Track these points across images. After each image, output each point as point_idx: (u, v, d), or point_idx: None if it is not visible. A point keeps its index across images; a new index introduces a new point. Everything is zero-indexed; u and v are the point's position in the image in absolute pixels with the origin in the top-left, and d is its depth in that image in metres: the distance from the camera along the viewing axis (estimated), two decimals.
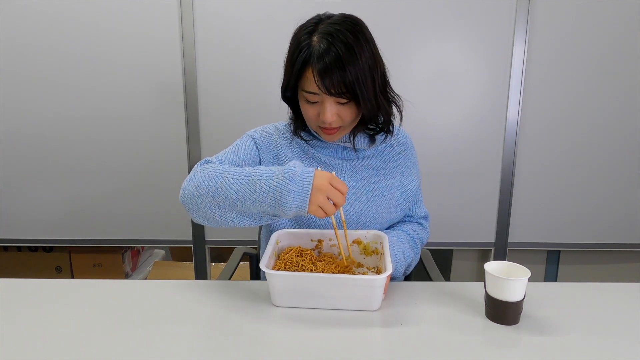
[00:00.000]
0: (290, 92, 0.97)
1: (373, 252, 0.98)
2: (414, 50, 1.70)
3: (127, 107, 1.75)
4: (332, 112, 0.92)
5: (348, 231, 0.98)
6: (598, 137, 1.78)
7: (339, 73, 0.86)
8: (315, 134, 1.04)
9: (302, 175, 0.81)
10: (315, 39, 0.89)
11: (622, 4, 1.66)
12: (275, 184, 0.81)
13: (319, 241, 0.98)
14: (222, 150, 1.03)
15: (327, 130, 0.97)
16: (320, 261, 0.92)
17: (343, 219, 0.93)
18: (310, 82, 0.90)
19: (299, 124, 1.04)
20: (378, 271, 0.96)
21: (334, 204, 0.83)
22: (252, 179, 0.83)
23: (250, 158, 1.02)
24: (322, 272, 0.88)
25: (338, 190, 0.82)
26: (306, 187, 0.80)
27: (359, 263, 0.99)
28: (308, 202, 0.80)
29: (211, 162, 0.95)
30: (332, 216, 0.89)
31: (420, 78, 1.72)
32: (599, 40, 1.69)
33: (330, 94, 0.89)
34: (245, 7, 1.66)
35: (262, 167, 0.86)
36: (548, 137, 1.78)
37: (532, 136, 1.78)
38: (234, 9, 1.66)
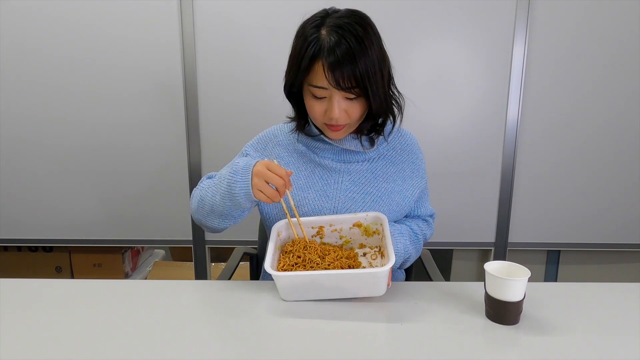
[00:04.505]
0: (296, 88, 0.95)
1: (374, 232, 0.99)
2: (414, 51, 1.70)
3: (127, 109, 1.75)
4: (340, 108, 0.91)
5: (348, 215, 0.98)
6: (598, 137, 1.78)
7: (349, 66, 0.86)
8: (318, 132, 1.03)
9: (245, 166, 0.90)
10: (324, 32, 0.87)
11: (622, 4, 1.66)
12: (227, 180, 0.92)
13: (320, 228, 0.99)
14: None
15: (333, 127, 0.96)
16: (327, 254, 0.92)
17: (293, 205, 0.95)
18: (319, 77, 0.88)
19: (301, 122, 1.03)
20: (381, 252, 0.96)
21: (278, 190, 0.88)
22: (216, 183, 0.95)
23: None
24: (329, 265, 0.89)
25: (276, 174, 0.87)
26: (247, 175, 0.89)
27: (362, 244, 1.00)
28: (251, 187, 0.88)
29: (211, 177, 1.03)
30: (283, 203, 0.94)
31: (420, 78, 1.72)
32: (599, 41, 1.69)
33: (340, 88, 0.88)
34: (245, 8, 1.66)
35: (223, 170, 0.96)
36: (548, 137, 1.78)
37: (532, 136, 1.78)
38: (234, 10, 1.66)
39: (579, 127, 1.77)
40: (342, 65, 0.85)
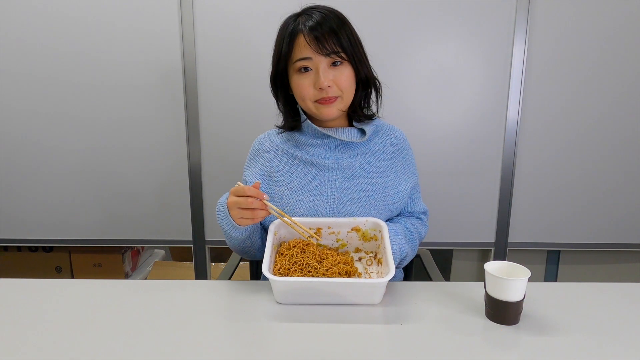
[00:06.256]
0: (281, 77, 1.00)
1: (371, 238, 0.98)
2: (414, 50, 1.70)
3: (126, 106, 1.75)
4: (327, 74, 0.95)
5: (348, 219, 0.98)
6: (598, 137, 1.78)
7: (328, 27, 0.92)
8: (309, 123, 1.03)
9: (222, 204, 0.97)
10: (301, 18, 0.96)
11: (622, 3, 1.66)
12: (218, 222, 0.99)
13: (317, 229, 0.98)
14: None
15: (325, 101, 0.97)
16: (325, 258, 0.92)
17: (279, 210, 0.95)
18: (302, 47, 0.94)
19: (289, 118, 1.06)
20: (377, 259, 0.96)
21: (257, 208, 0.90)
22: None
23: None
24: (327, 270, 0.89)
25: (245, 195, 0.89)
26: (225, 212, 0.95)
27: (357, 248, 0.99)
28: (233, 220, 0.93)
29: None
30: (272, 212, 0.93)
31: (420, 78, 1.72)
32: (599, 40, 1.69)
33: (324, 52, 0.92)
34: (245, 2, 1.66)
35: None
36: (548, 136, 1.78)
37: (532, 136, 1.78)
38: (234, 5, 1.66)
39: (578, 127, 1.77)
40: (321, 27, 0.92)
